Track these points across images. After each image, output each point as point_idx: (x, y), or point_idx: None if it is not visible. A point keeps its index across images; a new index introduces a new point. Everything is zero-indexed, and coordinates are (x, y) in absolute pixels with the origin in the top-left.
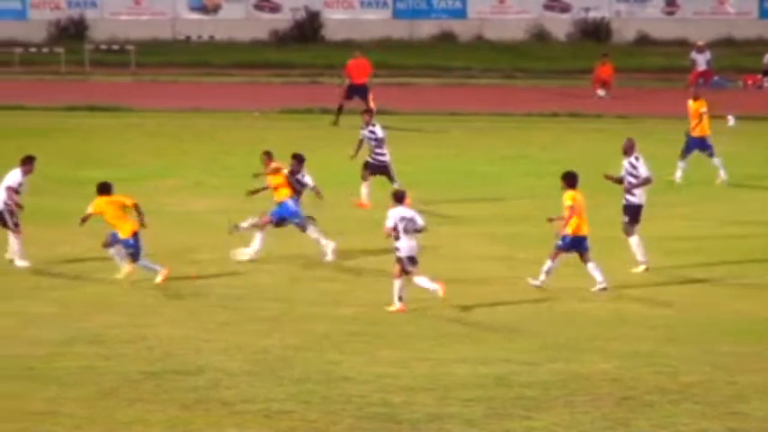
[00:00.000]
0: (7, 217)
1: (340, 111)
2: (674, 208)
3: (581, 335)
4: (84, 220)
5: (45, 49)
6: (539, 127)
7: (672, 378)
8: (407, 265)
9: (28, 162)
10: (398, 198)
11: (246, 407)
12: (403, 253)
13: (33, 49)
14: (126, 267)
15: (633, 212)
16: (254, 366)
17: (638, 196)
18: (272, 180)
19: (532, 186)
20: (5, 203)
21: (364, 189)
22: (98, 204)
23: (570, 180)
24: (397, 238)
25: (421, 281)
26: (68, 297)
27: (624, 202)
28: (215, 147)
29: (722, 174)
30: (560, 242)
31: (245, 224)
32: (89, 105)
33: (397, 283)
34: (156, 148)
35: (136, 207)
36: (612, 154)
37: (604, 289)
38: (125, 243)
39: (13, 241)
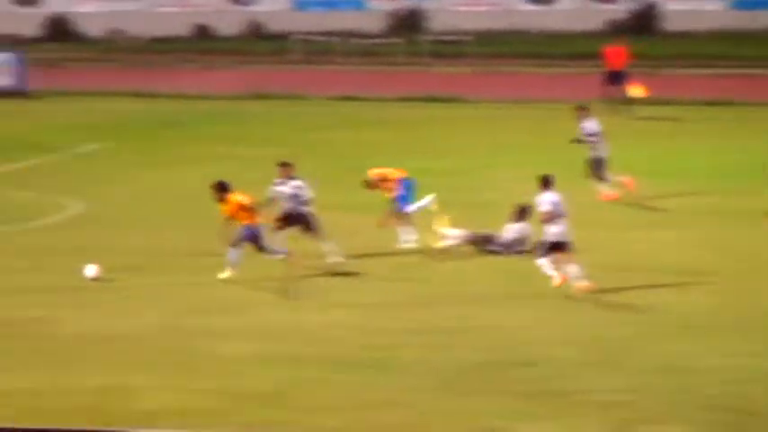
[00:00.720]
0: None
1: (614, 98)
2: None
3: None
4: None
5: (383, 40)
6: None
7: None
8: (549, 250)
9: (284, 167)
10: (547, 183)
11: (584, 397)
12: (551, 237)
13: (371, 40)
14: (228, 271)
15: None
16: (589, 356)
17: None
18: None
19: None
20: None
21: (607, 183)
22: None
23: None
24: (549, 222)
25: (572, 268)
26: (401, 288)
27: None
28: (550, 139)
29: None
30: None
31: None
32: (426, 96)
33: (543, 261)
34: (489, 140)
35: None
36: None
37: None
38: (250, 231)
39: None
